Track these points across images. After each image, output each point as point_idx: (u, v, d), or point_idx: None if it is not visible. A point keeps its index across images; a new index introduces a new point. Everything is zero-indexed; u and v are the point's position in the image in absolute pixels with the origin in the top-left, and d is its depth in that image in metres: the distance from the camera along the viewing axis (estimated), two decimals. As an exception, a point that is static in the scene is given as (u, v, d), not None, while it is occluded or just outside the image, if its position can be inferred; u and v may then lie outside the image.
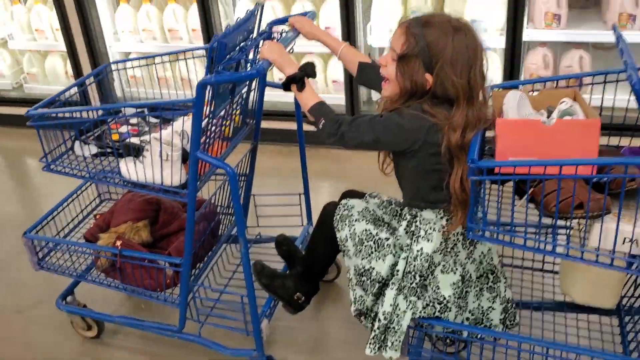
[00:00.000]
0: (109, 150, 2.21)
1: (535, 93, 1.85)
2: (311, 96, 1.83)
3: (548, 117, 1.66)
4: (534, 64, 3.29)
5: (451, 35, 1.64)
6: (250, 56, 2.07)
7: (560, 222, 1.60)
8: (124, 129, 2.35)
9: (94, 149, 2.25)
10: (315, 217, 2.70)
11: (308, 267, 2.20)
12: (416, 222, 1.82)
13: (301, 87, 1.82)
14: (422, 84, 1.68)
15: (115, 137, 2.26)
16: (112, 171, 2.14)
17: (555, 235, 1.55)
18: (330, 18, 3.61)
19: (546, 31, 3.20)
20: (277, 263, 2.37)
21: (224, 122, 2.12)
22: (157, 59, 2.49)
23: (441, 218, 1.79)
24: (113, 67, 2.48)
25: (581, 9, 3.44)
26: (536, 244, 1.59)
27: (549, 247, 1.58)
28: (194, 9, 3.80)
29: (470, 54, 1.65)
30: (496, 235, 1.62)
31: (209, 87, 1.81)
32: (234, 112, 2.20)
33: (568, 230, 1.64)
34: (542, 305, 2.14)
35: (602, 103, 1.79)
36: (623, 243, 1.53)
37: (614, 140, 1.87)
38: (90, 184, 2.64)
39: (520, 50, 3.19)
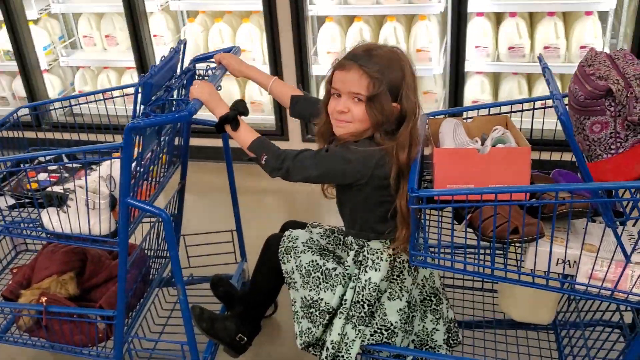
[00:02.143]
0: (27, 200, 2.08)
1: (470, 120, 1.90)
2: (248, 133, 1.80)
3: (482, 144, 1.71)
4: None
5: (399, 60, 1.69)
6: (175, 95, 2.01)
7: (498, 246, 1.64)
8: (42, 176, 2.22)
9: (10, 200, 2.11)
10: (249, 252, 2.68)
11: (250, 304, 2.15)
12: (364, 252, 1.82)
13: (235, 125, 1.78)
14: (391, 113, 1.69)
15: (33, 185, 2.13)
16: (33, 223, 2.01)
17: (493, 259, 1.59)
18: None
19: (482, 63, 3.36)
20: (213, 304, 2.30)
21: (151, 164, 2.04)
22: (77, 100, 2.38)
23: (388, 247, 1.80)
24: (25, 111, 2.33)
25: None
26: (476, 268, 1.63)
27: (487, 271, 1.62)
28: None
29: (413, 72, 1.71)
30: (437, 260, 1.65)
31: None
32: (160, 152, 2.13)
33: (505, 254, 1.68)
34: (483, 323, 2.19)
35: (531, 126, 1.87)
36: (557, 264, 1.60)
37: (545, 155, 1.95)
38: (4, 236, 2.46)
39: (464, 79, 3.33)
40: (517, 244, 1.62)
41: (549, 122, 1.89)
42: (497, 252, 1.64)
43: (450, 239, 1.62)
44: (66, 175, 2.18)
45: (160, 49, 3.83)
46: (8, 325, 2.28)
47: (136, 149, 1.82)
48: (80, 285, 2.24)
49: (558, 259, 1.59)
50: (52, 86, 4.19)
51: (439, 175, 1.60)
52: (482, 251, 1.62)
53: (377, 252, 1.80)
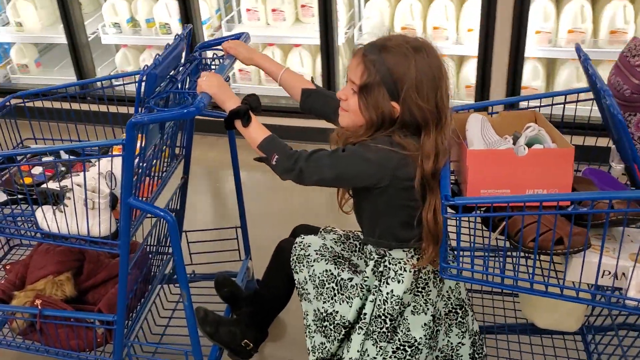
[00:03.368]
0: (20, 196, 1.94)
1: (495, 115, 1.76)
2: (259, 131, 1.66)
3: (514, 143, 1.58)
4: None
5: (412, 56, 1.52)
6: (180, 86, 1.87)
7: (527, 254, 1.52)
8: (37, 169, 2.08)
9: (2, 196, 1.97)
10: (254, 250, 2.56)
11: (258, 310, 2.03)
12: (385, 262, 1.68)
13: (247, 121, 1.64)
14: (389, 113, 1.55)
15: (27, 180, 1.99)
16: (27, 222, 1.88)
17: (533, 272, 1.47)
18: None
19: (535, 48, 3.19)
20: (216, 304, 2.18)
21: (154, 159, 1.91)
22: (72, 89, 2.22)
23: (412, 257, 1.66)
24: (17, 101, 2.18)
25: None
26: (513, 282, 1.50)
27: (525, 284, 1.49)
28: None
29: (435, 74, 1.54)
30: (472, 274, 1.52)
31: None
32: (163, 145, 1.99)
33: (549, 267, 1.55)
34: (505, 329, 2.08)
35: (562, 120, 1.74)
36: (602, 276, 1.47)
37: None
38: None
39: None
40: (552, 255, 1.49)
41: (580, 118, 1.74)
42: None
43: (484, 251, 1.49)
44: (62, 169, 2.04)
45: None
46: (0, 326, 2.16)
47: (138, 144, 1.68)
48: (77, 286, 2.11)
49: (604, 271, 1.46)
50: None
51: (472, 179, 1.47)
52: (509, 259, 1.50)
53: (399, 262, 1.66)
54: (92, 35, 4.06)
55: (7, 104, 2.15)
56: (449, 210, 1.46)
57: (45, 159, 2.15)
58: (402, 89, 1.51)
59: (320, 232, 1.96)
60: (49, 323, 1.97)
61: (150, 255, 2.29)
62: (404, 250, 1.66)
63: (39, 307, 1.95)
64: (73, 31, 3.90)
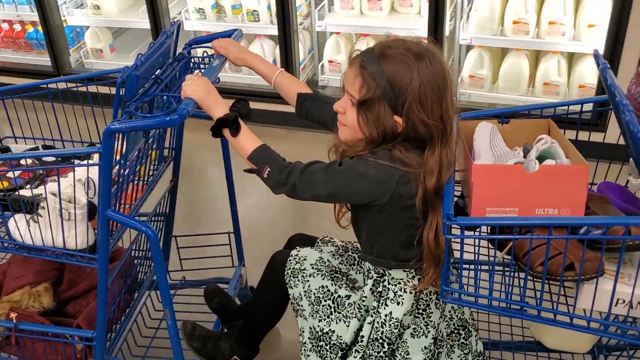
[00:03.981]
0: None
1: (506, 124, 1.63)
2: (249, 140, 1.53)
3: (524, 156, 1.44)
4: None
5: (414, 65, 1.39)
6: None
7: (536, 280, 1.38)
8: (12, 173, 1.94)
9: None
10: (247, 257, 2.44)
11: (249, 325, 1.92)
12: (384, 281, 1.56)
13: (235, 130, 1.51)
14: (391, 128, 1.42)
15: (2, 184, 1.86)
16: (-1, 231, 1.76)
17: (541, 299, 1.34)
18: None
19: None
20: (207, 314, 2.08)
21: (137, 164, 1.78)
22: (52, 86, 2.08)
23: (412, 277, 1.54)
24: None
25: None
26: (520, 308, 1.38)
27: (532, 312, 1.36)
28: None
29: (439, 83, 1.41)
30: (475, 299, 1.39)
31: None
32: (149, 149, 1.85)
33: (559, 294, 1.42)
34: (512, 345, 1.96)
35: (577, 136, 1.60)
36: (615, 305, 1.34)
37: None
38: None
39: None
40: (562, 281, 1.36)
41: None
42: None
43: (489, 273, 1.36)
44: (40, 172, 1.91)
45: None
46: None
47: (120, 148, 1.55)
48: (57, 297, 1.99)
49: (618, 299, 1.33)
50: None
51: (477, 196, 1.34)
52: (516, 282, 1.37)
53: (399, 283, 1.54)
54: (173, 21, 3.88)
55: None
56: (454, 231, 1.33)
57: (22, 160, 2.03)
58: (405, 103, 1.38)
59: (318, 243, 1.83)
60: (25, 337, 1.86)
61: (136, 262, 2.17)
62: (404, 271, 1.54)
63: (14, 320, 1.83)
64: (157, 16, 3.71)
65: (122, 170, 1.60)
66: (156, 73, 1.69)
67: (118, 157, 1.55)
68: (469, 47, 3.48)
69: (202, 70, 1.75)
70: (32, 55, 4.28)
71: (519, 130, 1.62)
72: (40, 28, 4.07)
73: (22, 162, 1.98)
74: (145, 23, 3.81)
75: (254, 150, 1.52)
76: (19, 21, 4.23)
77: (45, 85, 2.05)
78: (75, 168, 1.67)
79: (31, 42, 4.23)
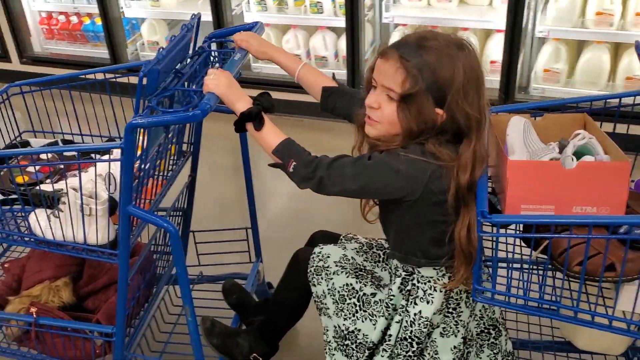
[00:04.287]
0: (13, 197, 1.80)
1: (539, 118, 1.59)
2: (274, 134, 1.50)
3: (560, 152, 1.40)
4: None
5: (457, 56, 1.37)
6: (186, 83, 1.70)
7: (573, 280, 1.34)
8: (32, 167, 1.93)
9: (-3, 196, 1.83)
10: (265, 252, 2.42)
11: (268, 322, 1.89)
12: (413, 280, 1.53)
13: (259, 124, 1.49)
14: (432, 121, 1.39)
15: (23, 179, 1.85)
16: (19, 226, 1.74)
17: (578, 300, 1.30)
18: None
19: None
20: (224, 310, 2.06)
21: (158, 159, 1.76)
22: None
23: (443, 275, 1.51)
24: (15, 90, 2.03)
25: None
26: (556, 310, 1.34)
27: (568, 313, 1.33)
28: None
29: (478, 75, 1.39)
30: (508, 298, 1.36)
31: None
32: (169, 144, 1.83)
33: (597, 296, 1.38)
34: (541, 345, 1.92)
35: (614, 128, 1.55)
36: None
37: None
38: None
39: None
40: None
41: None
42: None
43: (523, 272, 1.32)
44: (61, 167, 1.90)
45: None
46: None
47: (141, 143, 1.54)
48: (76, 291, 1.97)
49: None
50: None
51: (512, 193, 1.31)
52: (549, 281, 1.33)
53: (429, 281, 1.51)
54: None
55: (5, 94, 2.02)
56: (485, 228, 1.30)
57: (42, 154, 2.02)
58: (448, 95, 1.36)
59: (341, 240, 1.81)
60: (44, 332, 1.85)
61: (155, 257, 2.15)
62: (434, 268, 1.51)
63: (34, 315, 1.82)
64: (220, 8, 3.65)
65: (142, 165, 1.58)
66: (176, 67, 1.67)
67: (139, 152, 1.53)
68: (542, 40, 3.36)
69: (221, 65, 1.72)
70: (87, 47, 4.29)
71: (553, 125, 1.58)
72: (97, 20, 4.06)
73: (43, 156, 1.98)
74: (204, 15, 3.72)
75: (278, 144, 1.49)
76: (75, 13, 4.23)
77: (83, 76, 2.04)
78: (95, 164, 1.66)
79: (87, 34, 4.23)
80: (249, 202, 2.27)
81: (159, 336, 2.16)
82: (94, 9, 4.00)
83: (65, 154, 1.92)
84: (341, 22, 3.49)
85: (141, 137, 1.52)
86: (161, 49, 1.53)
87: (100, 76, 2.00)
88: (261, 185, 2.42)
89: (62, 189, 1.64)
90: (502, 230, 1.29)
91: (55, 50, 4.36)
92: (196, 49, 1.80)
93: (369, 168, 1.42)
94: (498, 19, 3.23)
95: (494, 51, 3.37)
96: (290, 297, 1.81)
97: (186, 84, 1.67)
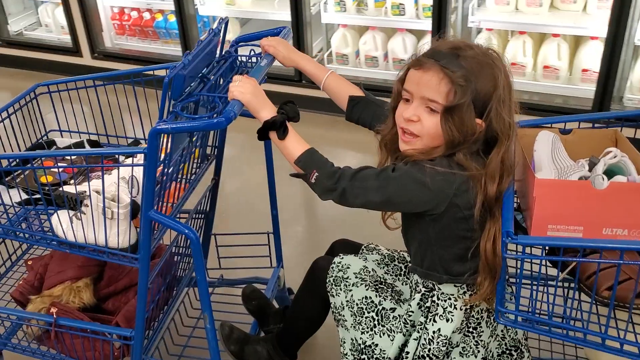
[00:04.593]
0: (38, 197, 1.81)
1: (568, 133, 1.54)
2: (297, 144, 1.48)
3: (590, 169, 1.36)
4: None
5: (496, 65, 1.36)
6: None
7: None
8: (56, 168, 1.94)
9: (21, 194, 1.83)
10: (286, 257, 2.40)
11: (287, 330, 1.87)
12: (433, 296, 1.50)
13: (283, 133, 1.47)
14: (472, 131, 1.37)
15: (48, 179, 1.85)
16: (42, 226, 1.75)
17: (607, 326, 1.26)
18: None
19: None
20: (243, 315, 2.06)
21: (181, 163, 1.75)
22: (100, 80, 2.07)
23: (464, 293, 1.47)
24: (42, 89, 2.05)
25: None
26: (580, 335, 1.30)
27: (596, 339, 1.28)
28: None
29: (510, 82, 1.38)
30: (532, 322, 1.32)
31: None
32: (192, 148, 1.83)
33: (627, 323, 1.33)
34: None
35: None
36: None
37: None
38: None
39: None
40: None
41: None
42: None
43: (548, 296, 1.29)
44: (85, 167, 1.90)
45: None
46: (14, 329, 2.04)
47: (165, 150, 1.53)
48: (97, 292, 1.98)
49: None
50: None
51: (539, 213, 1.27)
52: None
53: (449, 299, 1.48)
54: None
55: (32, 93, 2.03)
56: (510, 245, 1.26)
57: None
58: (489, 104, 1.34)
59: (362, 250, 1.78)
60: (64, 332, 1.85)
61: (176, 259, 2.15)
62: (455, 285, 1.48)
63: (55, 315, 1.83)
64: (299, 7, 3.55)
65: (165, 170, 1.57)
66: (202, 72, 1.66)
67: (162, 157, 1.53)
68: (637, 49, 3.21)
69: (250, 70, 1.70)
70: (157, 44, 4.26)
71: (583, 141, 1.53)
72: (170, 17, 4.05)
73: (67, 157, 1.99)
74: (279, 14, 3.69)
75: (301, 154, 1.47)
76: (147, 9, 4.19)
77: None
78: (118, 168, 1.66)
79: (159, 31, 4.20)
80: (272, 206, 2.25)
81: (177, 339, 2.15)
82: (167, 5, 3.97)
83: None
84: (423, 24, 3.40)
85: (165, 141, 1.51)
86: (187, 53, 1.52)
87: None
88: (283, 189, 2.40)
89: (85, 191, 1.64)
90: (527, 251, 1.25)
91: (125, 46, 4.35)
92: (223, 53, 1.79)
93: (394, 180, 1.39)
94: (593, 25, 3.09)
95: (587, 59, 3.24)
96: (308, 306, 1.79)
97: (212, 89, 1.66)
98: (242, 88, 1.47)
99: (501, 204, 1.34)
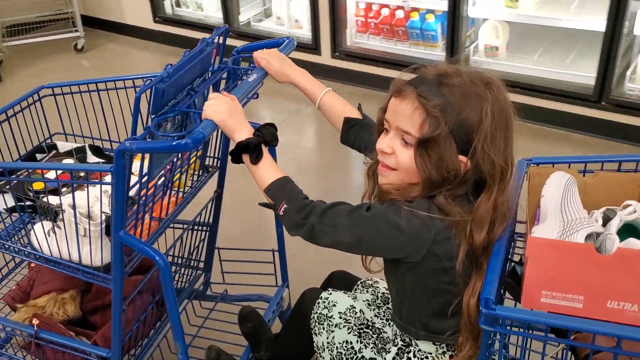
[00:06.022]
0: (28, 204, 1.74)
1: (589, 175, 1.34)
2: (270, 171, 1.35)
3: (604, 224, 1.16)
4: None
5: (486, 96, 1.18)
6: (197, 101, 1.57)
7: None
8: (51, 174, 1.87)
9: (10, 201, 1.77)
10: (292, 277, 2.27)
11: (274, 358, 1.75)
12: (409, 352, 1.34)
13: (256, 158, 1.33)
14: (454, 169, 1.20)
15: (39, 185, 1.79)
16: (23, 237, 1.69)
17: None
18: None
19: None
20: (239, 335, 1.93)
21: (167, 181, 1.64)
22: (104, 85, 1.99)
23: (443, 353, 1.31)
24: (47, 91, 1.99)
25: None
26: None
27: None
28: None
29: (507, 116, 1.20)
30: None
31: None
32: (184, 164, 1.72)
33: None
34: None
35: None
36: None
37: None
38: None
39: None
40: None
41: None
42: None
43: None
44: (82, 174, 1.82)
45: None
46: (7, 338, 2.00)
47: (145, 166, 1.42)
48: (83, 305, 1.91)
49: None
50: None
51: (531, 276, 1.08)
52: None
53: (427, 358, 1.31)
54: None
55: (36, 95, 1.98)
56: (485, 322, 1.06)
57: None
58: (474, 140, 1.17)
59: (358, 286, 1.63)
60: (45, 345, 1.79)
61: (174, 269, 2.06)
62: (434, 344, 1.31)
63: (35, 328, 1.76)
64: (619, 14, 2.94)
65: (141, 191, 1.46)
66: (191, 85, 1.54)
67: (137, 177, 1.42)
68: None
69: (234, 88, 1.57)
70: (404, 45, 3.77)
71: (604, 187, 1.31)
72: (428, 16, 3.58)
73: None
74: (577, 22, 3.13)
75: (272, 182, 1.33)
76: (399, 6, 3.69)
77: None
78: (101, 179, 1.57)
79: (411, 31, 3.69)
80: (277, 224, 2.13)
81: (168, 356, 2.07)
82: (423, 3, 3.56)
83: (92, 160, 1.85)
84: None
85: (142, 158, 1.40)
86: (169, 65, 1.41)
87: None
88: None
89: (60, 205, 1.56)
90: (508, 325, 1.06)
91: (365, 45, 3.90)
92: (220, 64, 1.68)
93: (366, 221, 1.23)
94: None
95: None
96: (294, 338, 1.67)
97: (200, 102, 1.55)
98: (216, 107, 1.34)
99: (489, 255, 1.16)
